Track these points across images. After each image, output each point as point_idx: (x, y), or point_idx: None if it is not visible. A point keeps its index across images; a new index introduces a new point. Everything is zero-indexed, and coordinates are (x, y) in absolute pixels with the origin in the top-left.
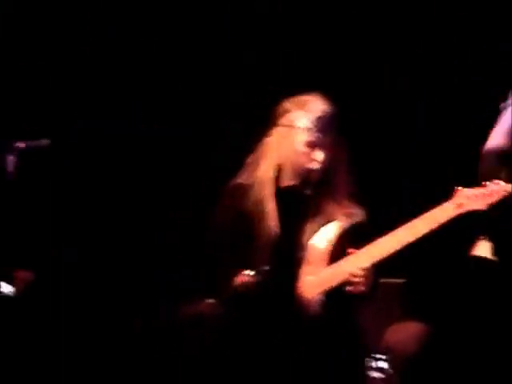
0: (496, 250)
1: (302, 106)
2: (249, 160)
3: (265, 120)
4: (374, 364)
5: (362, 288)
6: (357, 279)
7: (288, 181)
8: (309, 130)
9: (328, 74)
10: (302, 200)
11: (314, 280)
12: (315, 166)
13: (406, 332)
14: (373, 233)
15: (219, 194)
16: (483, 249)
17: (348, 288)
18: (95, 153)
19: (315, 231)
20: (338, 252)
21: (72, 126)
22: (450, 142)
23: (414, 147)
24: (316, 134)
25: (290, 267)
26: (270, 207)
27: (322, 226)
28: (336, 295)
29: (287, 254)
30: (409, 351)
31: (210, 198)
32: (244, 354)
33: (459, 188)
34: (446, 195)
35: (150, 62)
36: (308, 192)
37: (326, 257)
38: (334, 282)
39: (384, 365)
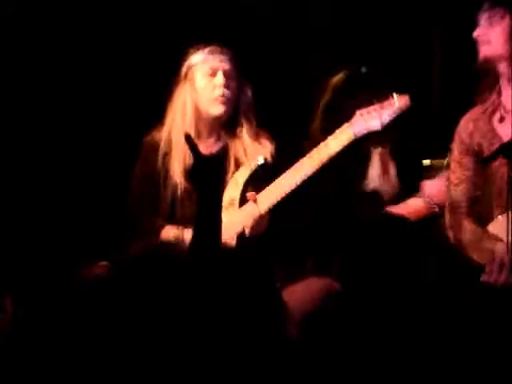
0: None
1: (195, 50)
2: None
3: None
4: None
5: (255, 231)
6: (255, 225)
7: (199, 139)
8: (203, 60)
9: None
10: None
11: (225, 225)
12: (218, 91)
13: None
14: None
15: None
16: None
17: (247, 231)
18: None
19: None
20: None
21: None
22: None
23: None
24: (212, 62)
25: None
26: (176, 165)
27: (233, 172)
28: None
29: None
30: (308, 308)
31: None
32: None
33: (359, 108)
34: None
35: None
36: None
37: (236, 202)
38: (239, 228)
39: None
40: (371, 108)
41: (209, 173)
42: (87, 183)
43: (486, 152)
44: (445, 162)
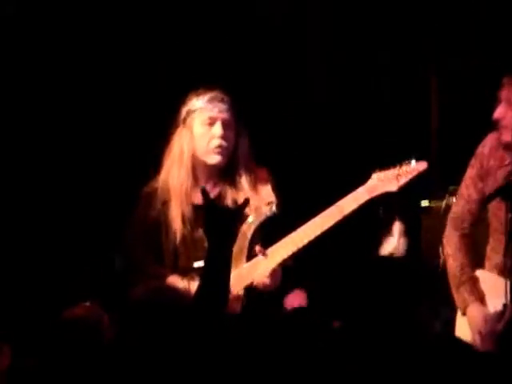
0: (407, 229)
1: (193, 96)
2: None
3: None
4: None
5: (269, 286)
6: (263, 280)
7: (196, 183)
8: (202, 109)
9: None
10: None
11: (233, 277)
12: (216, 142)
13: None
14: (287, 222)
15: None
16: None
17: (257, 287)
18: None
19: None
20: (253, 247)
21: None
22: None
23: (331, 134)
24: (211, 111)
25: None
26: (175, 212)
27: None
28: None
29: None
30: None
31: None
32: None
33: (375, 170)
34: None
35: None
36: (219, 190)
37: (244, 253)
38: (247, 281)
39: None
40: (389, 172)
41: (224, 225)
42: (84, 229)
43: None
44: (443, 203)
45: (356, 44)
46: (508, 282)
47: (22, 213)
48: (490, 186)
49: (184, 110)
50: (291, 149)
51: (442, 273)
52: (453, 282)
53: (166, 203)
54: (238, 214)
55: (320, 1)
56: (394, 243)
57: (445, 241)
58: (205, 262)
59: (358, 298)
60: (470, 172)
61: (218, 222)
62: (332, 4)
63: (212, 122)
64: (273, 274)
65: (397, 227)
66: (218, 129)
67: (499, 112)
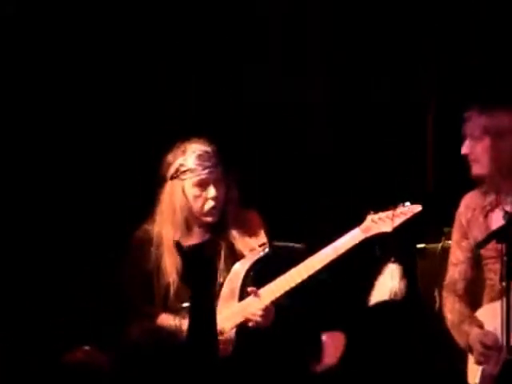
0: (405, 272)
1: (181, 153)
2: (153, 212)
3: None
4: None
5: (263, 323)
6: (256, 318)
7: (189, 233)
8: (193, 170)
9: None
10: (208, 250)
11: (225, 317)
12: (210, 204)
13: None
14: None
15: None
16: (391, 272)
17: (249, 324)
18: None
19: (227, 273)
20: (247, 288)
21: None
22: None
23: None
24: (201, 172)
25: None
26: (168, 263)
27: (232, 264)
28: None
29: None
30: None
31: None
32: None
33: (370, 212)
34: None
35: None
36: (211, 240)
37: (236, 294)
38: (238, 320)
39: None
40: (384, 214)
41: (200, 274)
42: (77, 269)
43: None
44: (439, 246)
45: (352, 80)
46: (504, 302)
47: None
48: (475, 235)
49: (172, 167)
50: (285, 189)
51: (438, 315)
52: (453, 329)
53: (159, 248)
54: (206, 263)
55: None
56: (392, 287)
57: (443, 304)
58: (190, 305)
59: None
60: (454, 236)
61: (195, 270)
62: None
63: (204, 184)
64: (265, 312)
65: (396, 271)
66: (211, 192)
67: (466, 147)
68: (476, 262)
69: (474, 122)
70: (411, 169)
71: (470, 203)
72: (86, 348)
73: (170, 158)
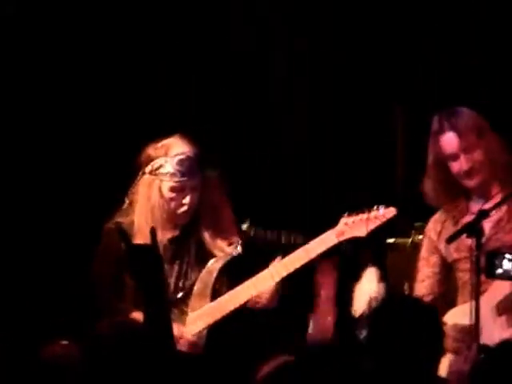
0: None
1: (163, 152)
2: (125, 203)
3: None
4: None
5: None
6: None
7: (161, 228)
8: (172, 175)
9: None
10: (178, 245)
11: (197, 315)
12: (183, 209)
13: None
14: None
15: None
16: (368, 276)
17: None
18: None
19: (197, 271)
20: (219, 287)
21: None
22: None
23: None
24: (180, 179)
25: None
26: None
27: (204, 263)
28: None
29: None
30: None
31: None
32: None
33: (343, 215)
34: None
35: None
36: (181, 236)
37: (208, 292)
38: (214, 319)
39: None
40: (357, 217)
41: (142, 262)
42: (49, 263)
43: (452, 253)
44: (409, 240)
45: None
46: (473, 303)
47: None
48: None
49: (152, 164)
50: (261, 190)
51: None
52: None
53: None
54: (148, 252)
55: None
56: (371, 292)
57: None
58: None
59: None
60: (422, 253)
61: (138, 263)
62: None
63: (181, 189)
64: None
65: (373, 274)
66: (187, 198)
67: (465, 162)
68: (445, 276)
69: (457, 139)
70: (381, 164)
71: (438, 218)
72: (64, 342)
73: (151, 152)
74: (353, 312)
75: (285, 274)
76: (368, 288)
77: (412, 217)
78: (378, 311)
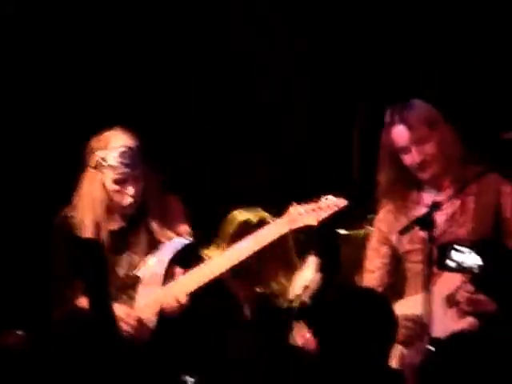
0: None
1: (104, 145)
2: (74, 197)
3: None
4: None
5: (176, 312)
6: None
7: (106, 220)
8: (114, 167)
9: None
10: (126, 235)
11: (147, 302)
12: (128, 200)
13: None
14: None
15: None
16: (308, 265)
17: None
18: None
19: (141, 260)
20: (170, 274)
21: None
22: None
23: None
24: (122, 170)
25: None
26: None
27: (151, 252)
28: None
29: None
30: None
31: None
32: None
33: (293, 204)
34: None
35: None
36: (128, 226)
37: (160, 279)
38: (164, 304)
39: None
40: (308, 206)
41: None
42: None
43: (404, 244)
44: (362, 232)
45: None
46: (425, 295)
47: None
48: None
49: (93, 158)
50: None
51: None
52: None
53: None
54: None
55: None
56: (306, 279)
57: None
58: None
59: None
60: (372, 244)
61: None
62: None
63: (124, 181)
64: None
65: (312, 263)
66: (130, 189)
67: (417, 154)
68: (395, 267)
69: (408, 132)
70: (337, 156)
71: (389, 209)
72: (19, 332)
73: (93, 145)
74: (289, 297)
75: (237, 261)
76: (305, 276)
77: (365, 209)
78: (319, 300)
